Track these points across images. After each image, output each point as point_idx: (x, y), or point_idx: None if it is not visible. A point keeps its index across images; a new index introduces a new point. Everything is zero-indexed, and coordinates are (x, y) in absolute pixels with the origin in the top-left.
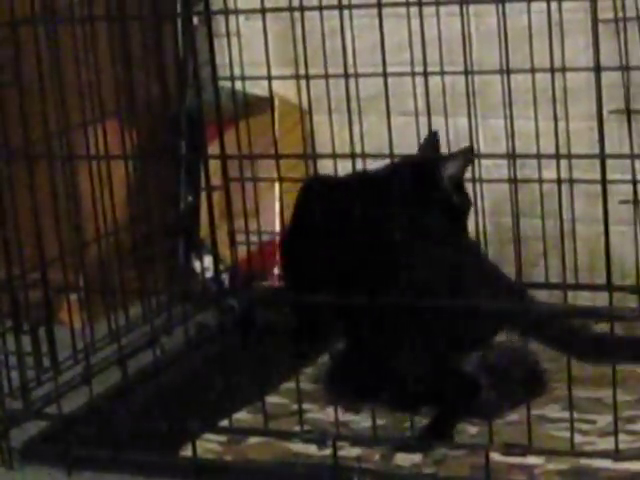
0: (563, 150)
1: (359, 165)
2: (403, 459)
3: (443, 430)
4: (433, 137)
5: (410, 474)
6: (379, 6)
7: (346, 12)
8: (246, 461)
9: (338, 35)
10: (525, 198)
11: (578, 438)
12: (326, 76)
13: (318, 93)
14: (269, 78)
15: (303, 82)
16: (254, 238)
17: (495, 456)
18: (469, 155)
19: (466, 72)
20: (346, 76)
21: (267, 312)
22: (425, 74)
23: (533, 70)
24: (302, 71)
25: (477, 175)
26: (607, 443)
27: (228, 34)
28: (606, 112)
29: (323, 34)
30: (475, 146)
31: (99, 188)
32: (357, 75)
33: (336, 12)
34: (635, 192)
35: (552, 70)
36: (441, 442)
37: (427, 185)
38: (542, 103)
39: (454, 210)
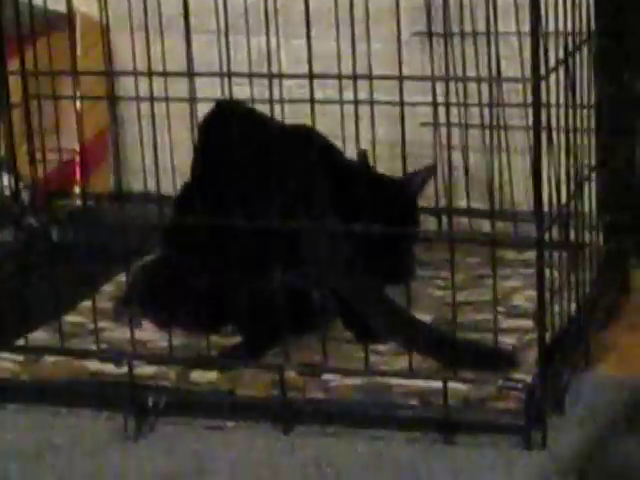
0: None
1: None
2: (199, 376)
3: (252, 350)
4: (363, 157)
5: (205, 391)
6: None
7: None
8: (41, 380)
9: None
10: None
11: (375, 358)
12: None
13: (121, 11)
14: None
15: None
16: (54, 156)
17: (292, 374)
18: (432, 172)
19: None
20: None
21: (67, 231)
22: None
23: None
24: None
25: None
26: (401, 364)
27: None
28: (409, 34)
29: None
30: (277, 66)
31: None
32: None
33: None
34: (435, 114)
35: None
36: (239, 361)
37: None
38: (345, 24)
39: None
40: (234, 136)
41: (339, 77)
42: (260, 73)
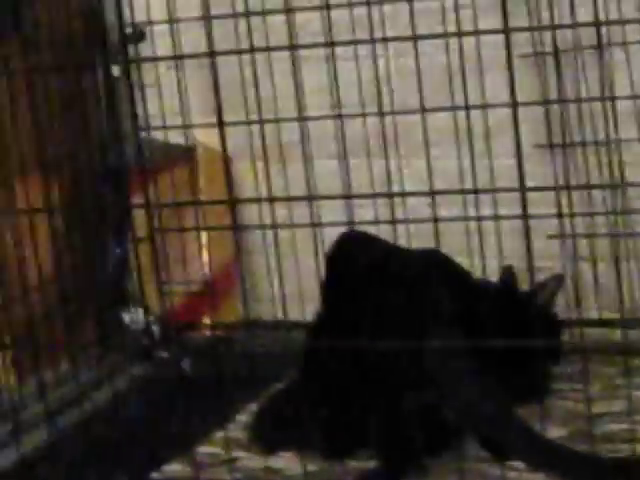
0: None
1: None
2: None
3: (390, 474)
4: (509, 272)
5: None
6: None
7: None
8: None
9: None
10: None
11: (513, 474)
12: (248, 122)
13: (241, 140)
14: (185, 126)
15: (226, 130)
16: (182, 288)
17: None
18: (560, 282)
19: (381, 113)
20: (261, 122)
21: (199, 362)
22: (340, 116)
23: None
24: (226, 119)
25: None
26: (540, 477)
27: (142, 84)
28: (530, 147)
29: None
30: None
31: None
32: (278, 120)
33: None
34: (561, 225)
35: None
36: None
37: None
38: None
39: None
40: (360, 265)
41: (462, 192)
42: (381, 193)
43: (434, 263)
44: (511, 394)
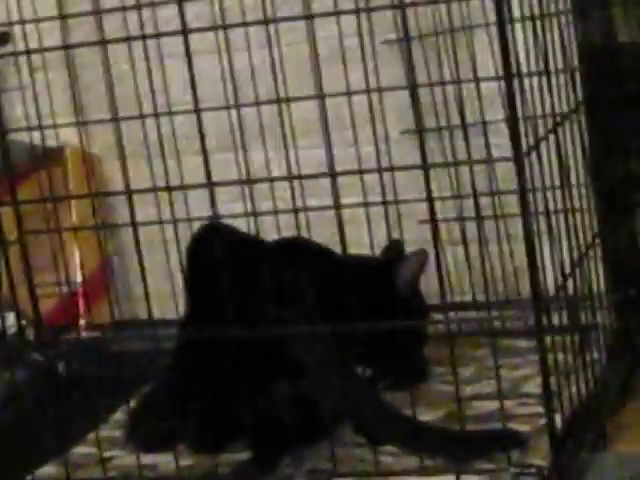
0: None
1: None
2: None
3: (263, 464)
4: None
5: None
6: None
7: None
8: None
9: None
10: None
11: (387, 459)
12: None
13: (110, 140)
14: (43, 127)
15: (94, 129)
16: (55, 290)
17: None
18: (423, 257)
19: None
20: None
21: (74, 364)
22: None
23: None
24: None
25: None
26: (414, 462)
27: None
28: (398, 133)
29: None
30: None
31: None
32: (142, 117)
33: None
34: (432, 209)
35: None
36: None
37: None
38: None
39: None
40: (219, 256)
41: (317, 176)
42: (240, 180)
43: (291, 248)
44: (388, 376)
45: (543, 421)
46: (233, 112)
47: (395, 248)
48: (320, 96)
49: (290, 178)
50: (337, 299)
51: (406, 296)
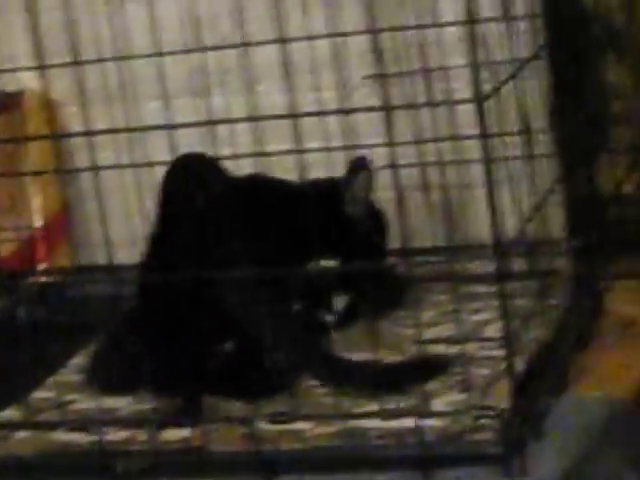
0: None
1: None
2: (172, 435)
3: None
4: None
5: (177, 449)
6: None
7: None
8: (11, 456)
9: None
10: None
11: (346, 404)
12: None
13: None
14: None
15: (53, 74)
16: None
17: (264, 425)
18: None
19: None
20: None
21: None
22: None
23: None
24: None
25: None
26: (375, 405)
27: None
28: (359, 78)
29: None
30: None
31: None
32: (100, 61)
33: None
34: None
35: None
36: (203, 416)
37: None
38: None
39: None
40: (187, 190)
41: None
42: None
43: (252, 183)
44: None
45: (504, 364)
46: (194, 56)
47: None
48: (282, 40)
49: (251, 119)
50: (291, 226)
51: (357, 214)
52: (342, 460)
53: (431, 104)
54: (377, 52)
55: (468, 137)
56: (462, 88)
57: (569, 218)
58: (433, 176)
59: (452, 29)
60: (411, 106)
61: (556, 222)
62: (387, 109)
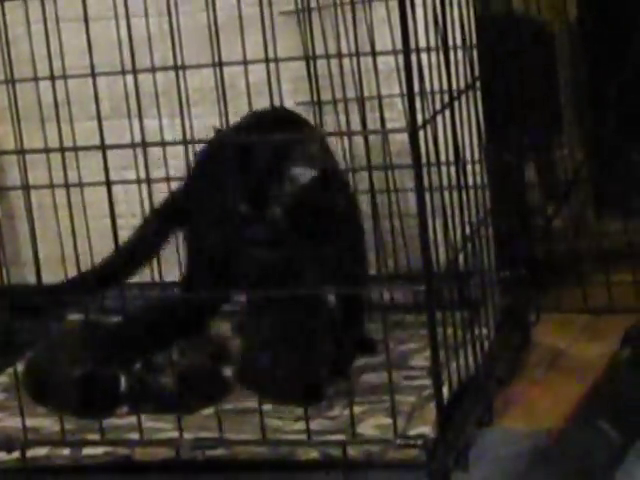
0: None
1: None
2: (92, 451)
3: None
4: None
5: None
6: None
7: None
8: None
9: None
10: None
11: (274, 422)
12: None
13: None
14: None
15: None
16: None
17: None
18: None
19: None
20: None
21: None
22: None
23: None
24: None
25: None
26: (302, 426)
27: None
28: (294, 103)
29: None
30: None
31: None
32: (37, 79)
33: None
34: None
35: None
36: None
37: None
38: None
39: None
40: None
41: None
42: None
43: None
44: None
45: (428, 392)
46: (129, 78)
47: None
48: (217, 64)
49: (185, 143)
50: None
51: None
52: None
53: (366, 132)
54: (311, 78)
55: (402, 167)
56: (396, 118)
57: (499, 250)
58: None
59: (388, 58)
60: (346, 133)
61: (486, 254)
62: (322, 136)
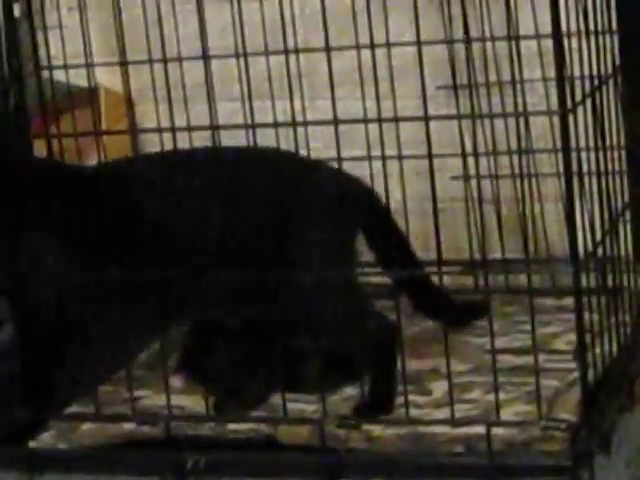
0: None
1: None
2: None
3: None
4: None
5: (245, 438)
6: None
7: None
8: (79, 447)
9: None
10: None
11: (414, 412)
12: (150, 61)
13: (145, 83)
14: (86, 65)
15: (129, 72)
16: None
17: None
18: None
19: (286, 52)
20: (165, 62)
21: None
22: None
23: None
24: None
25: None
26: (443, 414)
27: (44, 25)
28: (434, 88)
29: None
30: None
31: None
32: (180, 59)
33: None
34: (465, 166)
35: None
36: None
37: None
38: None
39: None
40: None
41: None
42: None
43: None
44: None
45: (573, 376)
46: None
47: None
48: (357, 47)
49: (323, 123)
50: None
51: None
52: (409, 464)
53: (516, 113)
54: (453, 62)
55: (545, 151)
56: (536, 103)
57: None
58: (506, 189)
59: (528, 42)
60: (499, 115)
61: (626, 240)
62: (459, 117)
